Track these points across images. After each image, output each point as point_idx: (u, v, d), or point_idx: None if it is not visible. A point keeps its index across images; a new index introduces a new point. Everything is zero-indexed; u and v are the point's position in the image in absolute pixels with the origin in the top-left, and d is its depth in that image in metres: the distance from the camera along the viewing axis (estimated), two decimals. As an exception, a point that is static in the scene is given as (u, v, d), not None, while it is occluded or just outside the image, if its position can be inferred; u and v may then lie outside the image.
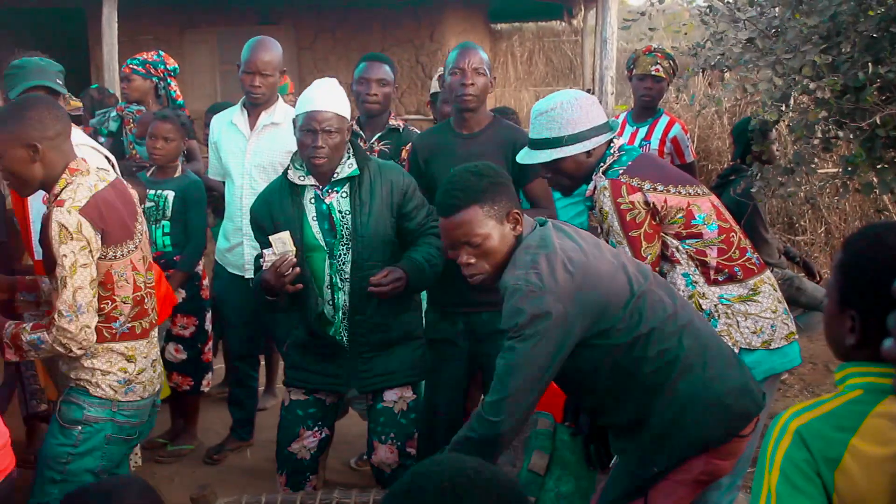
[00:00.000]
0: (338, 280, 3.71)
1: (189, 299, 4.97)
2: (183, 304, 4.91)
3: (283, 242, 3.59)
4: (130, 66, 5.82)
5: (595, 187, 3.48)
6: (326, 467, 4.56)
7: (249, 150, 4.70)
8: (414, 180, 3.87)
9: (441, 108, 4.99)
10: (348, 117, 3.69)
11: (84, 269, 3.05)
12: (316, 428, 3.85)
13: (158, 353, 3.45)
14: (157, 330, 3.46)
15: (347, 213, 3.69)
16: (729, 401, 2.85)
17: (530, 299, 2.72)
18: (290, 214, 3.69)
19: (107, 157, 3.99)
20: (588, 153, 3.47)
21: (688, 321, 2.92)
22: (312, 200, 3.72)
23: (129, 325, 3.23)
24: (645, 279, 2.93)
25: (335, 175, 3.69)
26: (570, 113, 3.45)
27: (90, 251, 3.06)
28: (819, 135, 3.99)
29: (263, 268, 3.61)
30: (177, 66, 5.96)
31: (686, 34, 4.99)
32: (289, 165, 3.76)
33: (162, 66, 5.84)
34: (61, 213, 3.02)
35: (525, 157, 3.59)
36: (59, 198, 3.08)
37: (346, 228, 3.69)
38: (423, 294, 4.20)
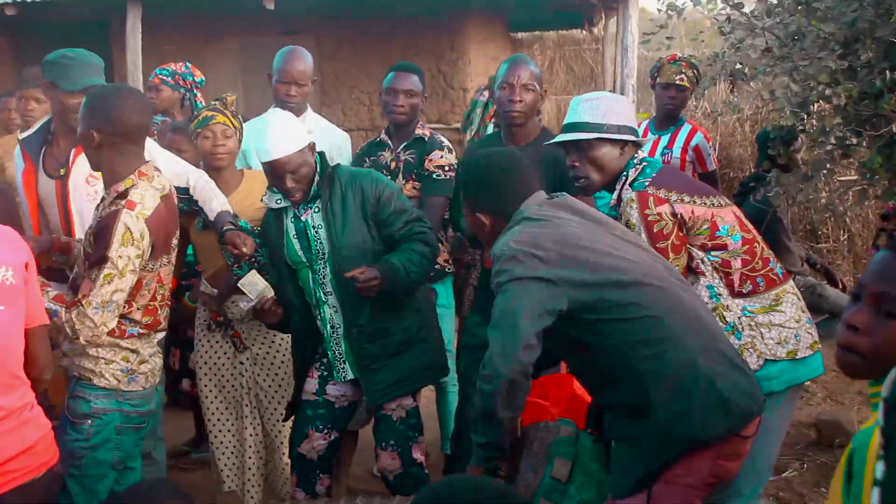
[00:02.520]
0: (321, 294, 3.80)
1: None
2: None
3: (253, 284, 3.75)
4: (160, 76, 5.86)
5: (619, 198, 3.48)
6: (350, 475, 4.61)
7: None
8: (392, 186, 3.89)
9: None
10: (306, 143, 3.72)
11: (132, 274, 3.13)
12: (325, 430, 3.91)
13: (155, 348, 3.46)
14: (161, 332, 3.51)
15: (320, 227, 3.76)
16: (732, 398, 2.86)
17: (514, 262, 2.86)
18: (273, 235, 3.85)
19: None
20: (622, 149, 3.48)
21: (694, 316, 2.95)
22: (292, 219, 3.82)
23: (140, 330, 3.31)
24: (651, 258, 3.04)
25: (310, 193, 3.77)
26: (614, 105, 3.50)
27: (141, 260, 3.13)
28: (834, 141, 4.00)
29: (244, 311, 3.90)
30: (203, 77, 6.02)
31: (703, 42, 5.02)
32: (266, 192, 3.85)
33: (190, 78, 5.89)
34: (131, 217, 3.08)
35: (565, 136, 3.56)
36: (128, 199, 3.13)
37: (320, 243, 3.75)
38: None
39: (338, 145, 4.87)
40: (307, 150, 3.71)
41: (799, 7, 3.93)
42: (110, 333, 3.20)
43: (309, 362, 3.95)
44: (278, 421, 4.30)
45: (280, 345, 4.30)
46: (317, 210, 3.78)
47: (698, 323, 2.96)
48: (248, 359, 4.30)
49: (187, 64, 6.01)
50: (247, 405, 4.29)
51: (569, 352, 3.10)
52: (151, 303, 3.30)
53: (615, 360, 2.91)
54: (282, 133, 3.65)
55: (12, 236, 2.80)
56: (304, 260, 3.81)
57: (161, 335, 3.48)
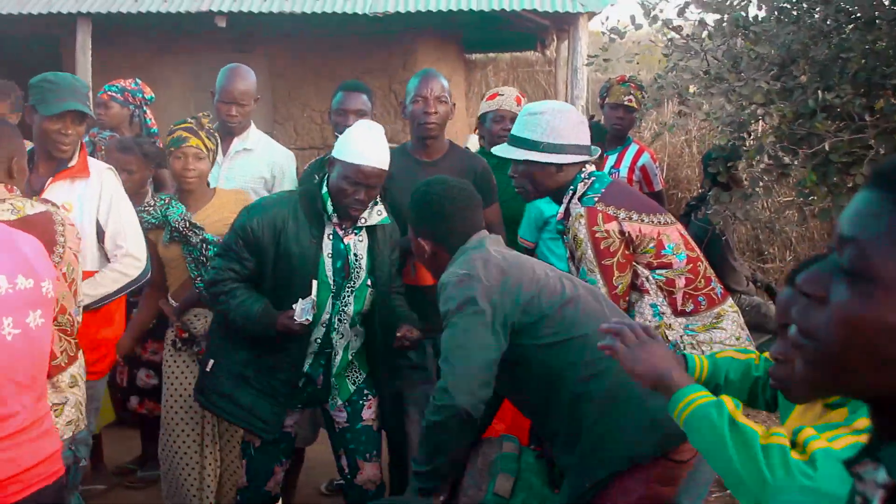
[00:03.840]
0: (335, 321, 3.71)
1: (159, 325, 4.97)
2: (153, 329, 4.90)
3: (305, 310, 3.52)
4: (109, 92, 5.82)
5: (567, 212, 3.50)
6: (296, 495, 4.60)
7: (222, 176, 4.73)
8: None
9: (491, 126, 4.92)
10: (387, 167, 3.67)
11: None
12: (284, 460, 3.89)
13: (74, 397, 3.21)
14: (67, 374, 3.19)
15: (362, 257, 3.72)
16: (661, 418, 2.84)
17: (460, 287, 2.94)
18: (307, 248, 3.63)
19: None
20: (559, 168, 3.47)
21: None
22: (331, 237, 3.69)
23: None
24: (577, 287, 3.08)
25: (362, 220, 3.69)
26: (556, 122, 3.46)
27: None
28: (768, 160, 4.09)
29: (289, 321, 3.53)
30: (153, 95, 5.99)
31: (639, 63, 5.12)
32: (318, 196, 3.67)
33: (140, 95, 5.86)
34: None
35: (500, 150, 3.61)
36: None
37: (357, 272, 3.70)
38: None
39: (280, 165, 4.83)
40: (385, 177, 3.65)
41: (736, 30, 4.03)
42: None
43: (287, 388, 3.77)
44: (236, 445, 4.26)
45: None
46: (361, 239, 3.74)
47: None
48: None
49: (137, 81, 5.99)
50: (209, 425, 4.24)
51: (506, 379, 3.09)
52: None
53: (551, 383, 2.95)
54: (383, 147, 3.61)
55: (42, 247, 2.79)
56: (331, 283, 3.67)
57: (67, 375, 3.17)
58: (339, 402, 3.85)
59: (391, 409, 3.98)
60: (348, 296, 3.70)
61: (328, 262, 3.66)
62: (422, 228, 3.26)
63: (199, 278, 4.05)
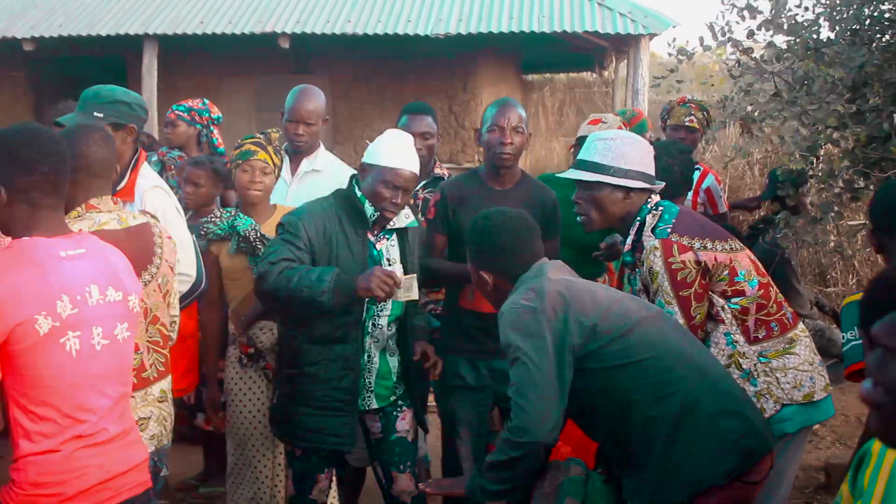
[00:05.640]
0: (369, 326, 3.74)
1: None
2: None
3: (409, 288, 3.57)
4: (176, 112, 5.91)
5: (634, 244, 3.47)
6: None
7: (290, 196, 4.75)
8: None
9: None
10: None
11: None
12: (328, 469, 3.90)
13: (159, 412, 3.23)
14: (156, 388, 3.22)
15: (395, 261, 3.76)
16: (732, 438, 2.85)
17: (521, 321, 2.92)
18: (357, 249, 3.69)
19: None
20: (627, 194, 3.43)
21: (693, 357, 2.97)
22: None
23: None
24: (648, 309, 3.07)
25: (391, 223, 3.75)
26: (626, 148, 3.44)
27: None
28: (842, 184, 4.03)
29: (388, 271, 3.51)
30: (220, 115, 6.07)
31: (713, 86, 5.08)
32: (357, 201, 3.71)
33: (207, 115, 5.94)
34: None
35: (570, 173, 3.59)
36: None
37: None
38: None
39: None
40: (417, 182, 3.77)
41: (808, 52, 3.99)
42: None
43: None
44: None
45: None
46: (393, 244, 3.79)
47: (700, 365, 2.97)
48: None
49: (205, 101, 6.07)
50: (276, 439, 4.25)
51: (576, 404, 3.05)
52: None
53: (619, 407, 2.93)
54: (413, 152, 3.71)
55: (130, 266, 2.83)
56: None
57: (156, 389, 3.21)
58: (374, 406, 3.84)
59: (444, 428, 3.98)
60: (385, 301, 3.73)
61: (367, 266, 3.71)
62: (482, 261, 3.25)
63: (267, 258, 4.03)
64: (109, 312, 2.63)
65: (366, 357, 3.76)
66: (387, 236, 3.78)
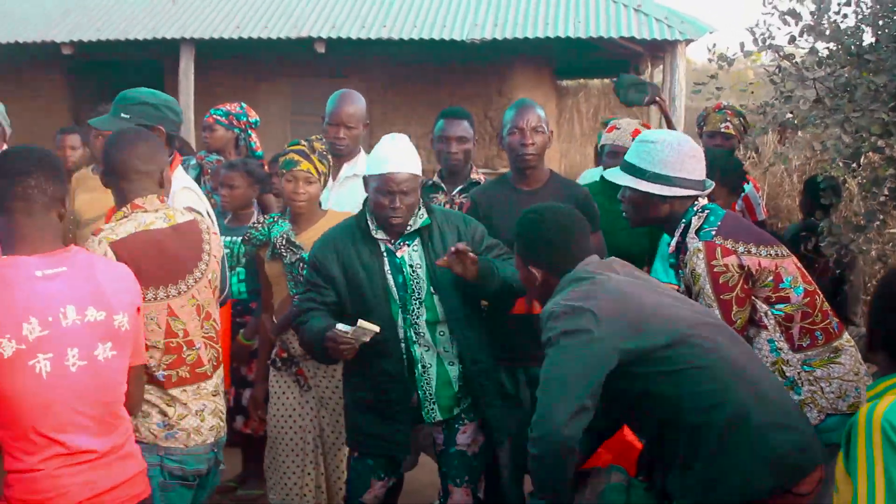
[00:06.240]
0: (412, 334, 3.72)
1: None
2: (257, 349, 4.98)
3: (364, 332, 3.47)
4: (214, 116, 5.94)
5: (678, 246, 3.47)
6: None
7: (331, 200, 4.77)
8: (481, 224, 3.91)
9: (606, 161, 4.90)
10: (420, 173, 3.73)
11: None
12: (385, 477, 3.90)
13: (213, 405, 3.27)
14: (211, 383, 3.27)
15: (419, 266, 3.74)
16: (781, 452, 2.82)
17: (563, 319, 2.91)
18: (370, 264, 3.70)
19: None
20: (664, 199, 3.44)
21: (746, 367, 2.94)
22: (384, 253, 3.75)
23: (165, 372, 3.12)
24: (701, 316, 3.05)
25: (408, 228, 3.74)
26: (666, 153, 3.43)
27: None
28: (886, 192, 3.98)
29: (333, 334, 3.48)
30: (258, 118, 6.11)
31: (752, 93, 5.04)
32: (366, 216, 3.76)
33: (244, 119, 5.98)
34: (93, 243, 3.02)
35: (610, 174, 3.63)
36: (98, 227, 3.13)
37: (417, 283, 3.71)
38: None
39: None
40: (419, 181, 3.73)
41: (850, 59, 3.94)
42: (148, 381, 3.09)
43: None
44: (340, 464, 4.30)
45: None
46: (415, 248, 3.77)
47: (750, 375, 2.94)
48: (313, 397, 4.32)
49: (242, 105, 6.10)
50: (309, 445, 4.29)
51: (619, 405, 3.07)
52: (170, 339, 3.13)
53: (667, 412, 2.91)
54: (405, 152, 3.68)
55: (130, 278, 2.81)
56: (397, 297, 3.71)
57: (211, 384, 3.27)
58: (439, 418, 3.82)
59: (484, 436, 3.97)
60: (417, 307, 3.72)
61: (389, 277, 3.71)
62: (530, 256, 3.25)
63: (297, 297, 4.09)
64: (88, 332, 2.59)
65: (420, 367, 3.74)
66: (407, 242, 3.76)
